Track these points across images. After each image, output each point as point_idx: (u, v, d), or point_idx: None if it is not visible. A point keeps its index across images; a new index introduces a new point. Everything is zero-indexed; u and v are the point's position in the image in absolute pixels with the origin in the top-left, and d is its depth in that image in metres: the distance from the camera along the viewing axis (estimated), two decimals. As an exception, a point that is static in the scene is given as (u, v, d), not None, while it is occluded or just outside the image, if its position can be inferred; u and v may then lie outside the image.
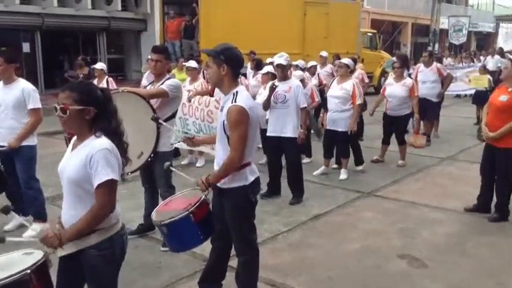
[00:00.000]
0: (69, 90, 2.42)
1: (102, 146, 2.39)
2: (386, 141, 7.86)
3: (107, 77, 8.50)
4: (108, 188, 2.38)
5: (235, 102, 3.09)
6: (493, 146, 5.20)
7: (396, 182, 6.88)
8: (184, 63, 9.99)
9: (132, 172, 4.32)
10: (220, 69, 3.13)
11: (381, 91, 7.90)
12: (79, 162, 2.40)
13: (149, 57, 4.76)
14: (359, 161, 7.37)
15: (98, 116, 2.44)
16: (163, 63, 4.51)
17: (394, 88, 7.54)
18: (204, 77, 8.03)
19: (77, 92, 2.41)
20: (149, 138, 4.30)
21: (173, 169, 3.58)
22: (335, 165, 7.36)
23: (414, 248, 4.63)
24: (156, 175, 4.55)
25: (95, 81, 8.46)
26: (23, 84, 4.76)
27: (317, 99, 7.71)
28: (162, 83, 4.41)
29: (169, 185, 4.60)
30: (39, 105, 4.76)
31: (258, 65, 9.13)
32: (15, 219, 5.07)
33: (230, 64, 3.13)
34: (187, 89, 6.76)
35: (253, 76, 8.98)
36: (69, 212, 2.46)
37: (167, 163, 3.61)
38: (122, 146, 2.49)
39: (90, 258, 2.46)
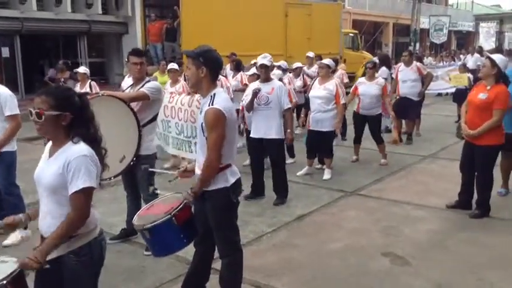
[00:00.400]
0: (45, 95, 2.38)
1: (80, 152, 2.36)
2: (358, 141, 7.93)
3: (89, 80, 8.43)
4: (85, 195, 2.36)
5: (212, 104, 3.09)
6: (472, 143, 5.27)
7: (379, 180, 6.94)
8: (165, 66, 9.97)
9: (115, 176, 4.28)
10: (199, 71, 3.14)
11: (352, 90, 7.92)
12: (57, 169, 2.36)
13: (126, 60, 4.77)
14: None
15: (74, 122, 2.41)
16: (145, 66, 4.49)
17: (367, 87, 7.62)
18: (185, 79, 8.02)
19: (53, 97, 2.37)
20: (131, 141, 4.27)
21: (153, 170, 3.54)
22: (318, 165, 7.40)
23: (397, 246, 4.67)
24: (138, 179, 4.52)
25: (78, 85, 8.40)
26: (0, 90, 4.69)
27: (294, 99, 7.76)
28: (142, 86, 4.39)
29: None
30: (17, 111, 4.69)
31: (237, 66, 9.20)
32: (12, 236, 4.98)
33: (209, 66, 3.14)
34: (169, 91, 6.73)
35: (233, 77, 9.00)
36: (48, 220, 2.42)
37: (145, 166, 3.58)
38: (100, 152, 2.47)
39: (69, 264, 2.43)
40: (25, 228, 4.51)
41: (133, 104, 4.29)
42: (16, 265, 2.30)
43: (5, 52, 14.70)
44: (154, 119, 4.55)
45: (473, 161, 5.31)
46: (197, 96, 5.90)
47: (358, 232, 5.05)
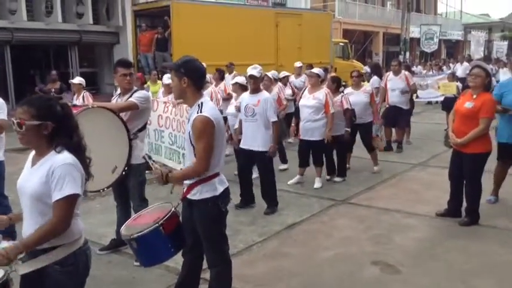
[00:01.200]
0: (27, 105, 2.38)
1: (65, 160, 2.36)
2: (349, 149, 7.93)
3: (84, 91, 8.40)
4: (68, 203, 2.35)
5: (200, 112, 3.10)
6: (460, 151, 5.31)
7: (369, 189, 6.96)
8: (156, 76, 9.99)
9: (107, 187, 4.27)
10: (181, 82, 3.15)
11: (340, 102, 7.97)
12: (40, 178, 2.36)
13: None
14: (341, 172, 7.40)
15: (57, 131, 2.40)
16: (134, 76, 4.51)
17: (356, 96, 7.67)
18: None
19: (34, 107, 2.37)
20: (122, 152, 4.26)
21: (149, 160, 3.50)
22: (327, 177, 7.34)
23: (387, 254, 4.68)
24: (129, 188, 4.52)
25: (74, 96, 8.38)
26: None
27: (284, 102, 7.84)
28: (130, 95, 4.39)
29: (142, 198, 4.58)
30: (3, 116, 4.65)
31: (221, 75, 9.46)
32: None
33: (190, 76, 3.15)
34: (162, 101, 6.74)
35: (216, 86, 9.10)
36: (32, 228, 2.40)
37: (145, 154, 3.62)
38: (84, 161, 2.46)
39: (54, 275, 2.41)
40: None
41: (122, 114, 4.29)
42: (0, 275, 2.28)
43: (-5, 62, 14.65)
44: (144, 127, 4.56)
45: (462, 169, 5.35)
46: (185, 106, 5.92)
47: (348, 240, 5.06)
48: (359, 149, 8.09)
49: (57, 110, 2.43)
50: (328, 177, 7.37)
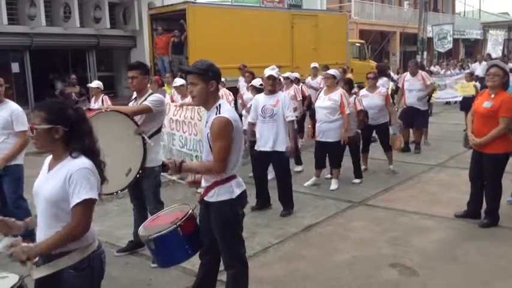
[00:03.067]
0: (38, 110, 2.41)
1: (82, 165, 2.38)
2: (366, 150, 7.95)
3: (102, 95, 8.50)
4: (86, 207, 2.37)
5: (219, 113, 3.11)
6: (481, 152, 5.23)
7: (386, 190, 6.90)
8: (169, 78, 10.01)
9: (122, 190, 4.31)
10: (208, 85, 3.15)
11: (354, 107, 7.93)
12: (57, 183, 2.38)
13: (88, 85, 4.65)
14: (357, 173, 7.37)
15: (71, 135, 2.42)
16: (139, 79, 4.45)
17: (371, 99, 7.67)
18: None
19: (44, 111, 2.39)
20: (136, 154, 4.29)
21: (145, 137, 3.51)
22: (328, 176, 7.36)
23: (405, 257, 4.63)
24: (144, 191, 4.55)
25: (92, 100, 8.48)
26: (11, 106, 4.78)
27: (299, 97, 7.83)
28: (145, 99, 4.42)
29: (158, 201, 4.60)
30: (27, 127, 4.73)
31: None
32: (4, 240, 5.03)
33: (217, 79, 3.18)
34: (173, 104, 6.77)
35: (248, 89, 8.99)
36: (47, 232, 2.42)
37: (138, 129, 3.63)
38: (99, 165, 2.47)
39: (68, 279, 2.43)
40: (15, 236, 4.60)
41: (137, 117, 4.32)
42: (15, 280, 2.31)
43: (15, 67, 14.90)
44: (158, 131, 4.58)
45: (482, 169, 5.27)
46: (196, 108, 5.94)
47: (365, 243, 5.02)
48: (376, 150, 8.04)
49: (70, 114, 2.43)
50: (329, 175, 7.33)
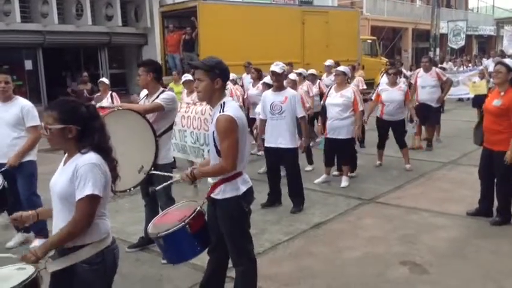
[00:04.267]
0: (51, 109, 2.43)
1: (89, 160, 2.40)
2: (382, 146, 7.96)
3: (110, 91, 8.59)
4: (88, 202, 2.38)
5: (223, 111, 3.12)
6: (491, 149, 5.19)
7: (398, 188, 6.86)
8: (176, 76, 10.06)
9: (134, 187, 4.33)
10: (214, 82, 3.16)
11: (374, 97, 7.91)
12: (66, 177, 2.41)
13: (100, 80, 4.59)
14: (352, 167, 7.37)
15: (83, 133, 2.44)
16: (142, 76, 4.47)
17: (391, 93, 7.61)
18: None
19: (57, 111, 2.42)
20: (148, 152, 4.32)
21: (153, 172, 3.56)
22: (336, 172, 7.37)
23: (416, 254, 4.60)
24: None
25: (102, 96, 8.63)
26: (21, 102, 4.82)
27: (307, 104, 7.81)
28: (157, 97, 4.44)
29: (169, 197, 4.63)
30: (37, 123, 4.80)
31: (259, 74, 9.17)
32: (17, 236, 5.12)
33: (223, 77, 3.18)
34: (185, 101, 6.79)
35: (253, 86, 8.95)
36: (61, 226, 2.45)
37: (151, 188, 3.67)
38: (110, 162, 2.50)
39: (82, 273, 2.46)
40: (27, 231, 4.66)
41: (149, 115, 4.35)
42: (31, 271, 2.36)
43: (28, 65, 15.08)
44: (170, 128, 4.60)
45: (492, 167, 5.22)
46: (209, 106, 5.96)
47: (376, 240, 5.00)
48: (387, 148, 7.99)
49: (82, 112, 2.46)
50: (336, 173, 7.34)
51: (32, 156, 4.90)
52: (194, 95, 7.33)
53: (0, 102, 4.79)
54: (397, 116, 7.65)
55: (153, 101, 4.44)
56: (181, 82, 8.30)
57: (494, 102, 5.08)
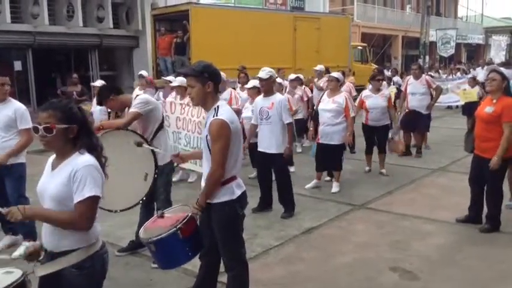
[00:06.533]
0: (52, 109, 2.40)
1: (87, 162, 2.39)
2: (370, 151, 8.07)
3: None
4: (89, 204, 2.37)
5: (216, 116, 3.12)
6: (481, 156, 5.23)
7: (388, 193, 6.90)
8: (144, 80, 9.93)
9: (146, 195, 4.25)
10: (205, 87, 3.16)
11: (358, 104, 7.95)
12: (62, 181, 2.38)
13: (140, 73, 4.64)
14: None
15: (79, 133, 2.44)
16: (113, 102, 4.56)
17: (375, 100, 7.70)
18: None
19: (59, 111, 2.40)
20: (147, 159, 4.28)
21: (145, 146, 3.56)
22: (327, 178, 7.38)
23: (406, 261, 4.62)
24: (157, 187, 4.53)
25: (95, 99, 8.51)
26: (15, 104, 4.78)
27: (305, 98, 7.86)
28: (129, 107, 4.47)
29: (167, 200, 4.62)
30: (29, 126, 4.74)
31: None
32: (5, 239, 5.05)
33: (213, 80, 3.18)
34: (179, 102, 6.75)
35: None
36: (51, 233, 2.43)
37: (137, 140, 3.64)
38: (100, 161, 2.49)
39: (71, 278, 2.43)
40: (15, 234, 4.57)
41: (133, 126, 4.36)
42: (19, 275, 2.32)
43: (18, 65, 14.90)
44: (159, 128, 4.58)
45: (482, 174, 5.26)
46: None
47: (366, 246, 5.01)
48: (376, 153, 8.02)
49: (78, 113, 2.47)
50: (327, 178, 7.38)
51: (21, 159, 4.85)
52: (187, 99, 7.31)
53: None
54: (381, 122, 7.77)
55: (128, 111, 4.43)
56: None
57: (486, 109, 5.13)
